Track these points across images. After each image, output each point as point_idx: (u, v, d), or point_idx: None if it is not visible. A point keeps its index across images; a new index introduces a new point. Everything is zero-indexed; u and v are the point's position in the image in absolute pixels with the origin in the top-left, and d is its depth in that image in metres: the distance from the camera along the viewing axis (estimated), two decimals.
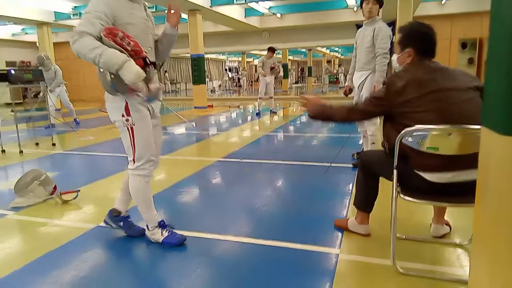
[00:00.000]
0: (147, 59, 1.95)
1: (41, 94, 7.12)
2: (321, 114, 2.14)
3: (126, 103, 2.00)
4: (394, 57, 2.09)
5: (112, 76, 1.86)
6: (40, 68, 6.85)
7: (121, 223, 2.35)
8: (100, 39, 1.83)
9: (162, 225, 2.23)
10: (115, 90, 1.92)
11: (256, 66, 9.21)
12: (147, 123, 2.09)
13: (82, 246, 2.21)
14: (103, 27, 1.84)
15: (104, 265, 2.07)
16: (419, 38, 1.92)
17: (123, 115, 2.01)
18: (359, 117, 2.13)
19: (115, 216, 2.35)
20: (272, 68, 8.71)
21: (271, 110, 9.37)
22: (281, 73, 9.51)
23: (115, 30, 1.87)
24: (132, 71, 1.82)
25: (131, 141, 2.05)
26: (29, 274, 1.95)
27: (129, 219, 2.38)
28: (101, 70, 1.87)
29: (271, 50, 8.72)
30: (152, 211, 2.21)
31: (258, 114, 9.13)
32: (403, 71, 1.93)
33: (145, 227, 2.26)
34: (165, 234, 2.21)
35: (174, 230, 2.26)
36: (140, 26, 2.03)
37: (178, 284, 1.82)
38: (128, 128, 2.03)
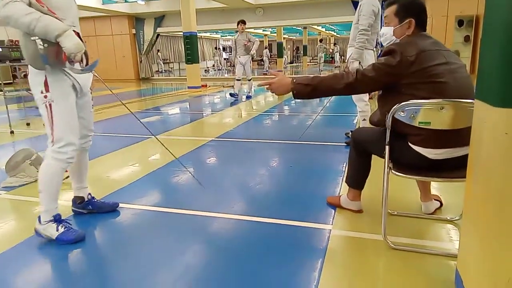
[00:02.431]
0: (80, 34, 1.86)
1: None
2: (310, 87, 1.84)
3: (46, 77, 1.85)
4: (385, 30, 1.98)
5: (46, 45, 1.74)
6: None
7: (90, 207, 2.32)
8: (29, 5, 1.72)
9: (58, 219, 2.02)
10: (46, 61, 1.78)
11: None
12: (69, 102, 1.93)
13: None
14: None
15: (97, 242, 2.07)
16: (418, 9, 1.87)
17: (42, 91, 1.86)
18: (366, 87, 1.92)
19: (80, 203, 2.30)
20: (245, 46, 7.86)
21: (247, 95, 8.56)
22: (255, 48, 7.94)
23: (39, 2, 1.74)
24: (74, 40, 1.76)
25: (50, 120, 1.89)
26: (22, 253, 1.95)
27: (95, 200, 2.34)
28: (32, 38, 1.73)
29: (241, 22, 7.75)
30: (55, 202, 2.02)
31: (233, 95, 8.27)
32: (408, 42, 1.81)
33: (37, 219, 2.02)
34: (61, 229, 2.00)
35: (71, 226, 2.07)
36: None
37: (174, 261, 1.83)
38: (46, 105, 1.87)
